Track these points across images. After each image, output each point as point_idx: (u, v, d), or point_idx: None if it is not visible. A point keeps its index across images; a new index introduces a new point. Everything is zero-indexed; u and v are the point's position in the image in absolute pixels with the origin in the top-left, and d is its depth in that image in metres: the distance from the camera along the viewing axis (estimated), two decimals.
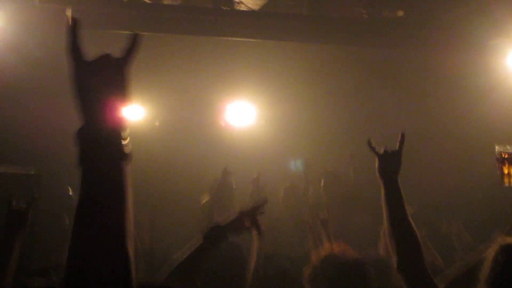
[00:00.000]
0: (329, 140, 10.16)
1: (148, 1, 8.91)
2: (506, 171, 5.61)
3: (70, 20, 1.95)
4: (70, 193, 8.59)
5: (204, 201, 8.91)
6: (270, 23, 9.21)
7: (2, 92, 9.23)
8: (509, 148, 5.63)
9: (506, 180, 5.62)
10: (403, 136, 4.28)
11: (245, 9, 9.29)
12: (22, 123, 9.18)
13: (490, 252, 4.06)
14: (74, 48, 1.94)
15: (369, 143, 4.25)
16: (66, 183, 9.33)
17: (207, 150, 10.57)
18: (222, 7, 8.99)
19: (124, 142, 1.94)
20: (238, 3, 9.16)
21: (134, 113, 10.49)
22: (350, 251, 5.13)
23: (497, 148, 5.66)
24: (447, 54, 9.46)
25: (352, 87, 10.75)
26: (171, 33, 9.09)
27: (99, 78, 1.93)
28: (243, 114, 10.76)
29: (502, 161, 5.63)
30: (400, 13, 9.67)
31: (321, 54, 10.17)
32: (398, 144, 4.26)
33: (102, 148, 1.88)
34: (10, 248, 4.31)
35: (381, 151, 4.23)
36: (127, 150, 1.94)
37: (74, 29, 1.94)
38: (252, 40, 9.45)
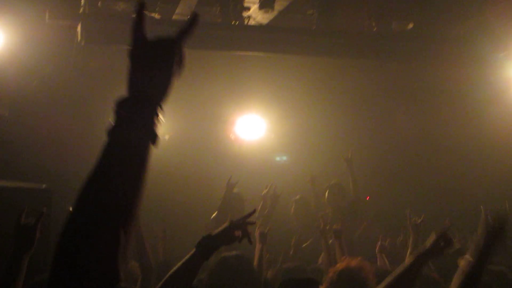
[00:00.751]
0: (339, 153, 10.15)
1: (157, 17, 8.95)
2: None
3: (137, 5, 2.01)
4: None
5: (213, 216, 8.94)
6: (279, 37, 9.24)
7: (14, 108, 9.29)
8: None
9: None
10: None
11: (254, 23, 9.31)
12: (34, 138, 9.23)
13: None
14: (138, 27, 1.99)
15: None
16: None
17: (217, 163, 10.58)
18: (232, 22, 9.02)
19: (158, 125, 1.95)
20: (247, 17, 9.19)
21: None
22: (367, 266, 5.14)
23: None
24: (453, 66, 9.48)
25: (362, 100, 10.76)
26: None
27: (152, 56, 1.98)
28: (253, 127, 10.76)
29: None
30: (410, 26, 9.68)
31: (330, 67, 10.20)
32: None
33: (137, 123, 1.89)
34: (18, 263, 4.31)
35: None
36: (158, 133, 1.95)
37: (141, 11, 2.01)
38: (262, 54, 9.48)
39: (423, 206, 9.08)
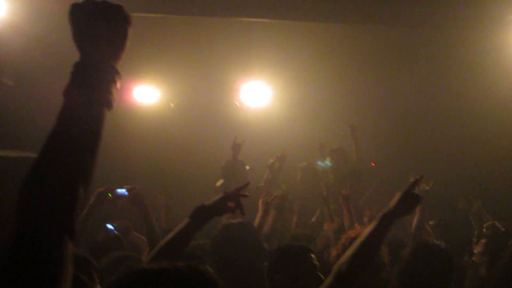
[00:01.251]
0: (345, 120, 10.13)
1: None
2: None
3: None
4: None
5: (219, 183, 8.97)
6: (285, 3, 9.14)
7: (18, 77, 9.26)
8: None
9: None
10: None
11: None
12: (38, 107, 9.23)
13: None
14: None
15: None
16: None
17: (222, 130, 10.59)
18: None
19: (114, 91, 1.99)
20: None
21: (149, 95, 10.51)
22: None
23: None
24: (463, 31, 9.39)
25: (368, 67, 10.70)
26: (186, 14, 9.05)
27: (102, 15, 2.01)
28: (258, 94, 10.72)
29: None
30: None
31: (336, 33, 10.11)
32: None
33: (92, 86, 1.93)
34: None
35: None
36: (113, 99, 1.99)
37: None
38: (267, 20, 9.41)
39: (430, 173, 9.09)
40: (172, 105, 10.82)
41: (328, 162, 10.48)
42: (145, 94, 10.47)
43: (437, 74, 10.60)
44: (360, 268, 3.80)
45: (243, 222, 5.23)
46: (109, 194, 6.54)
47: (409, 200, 4.03)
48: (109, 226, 6.88)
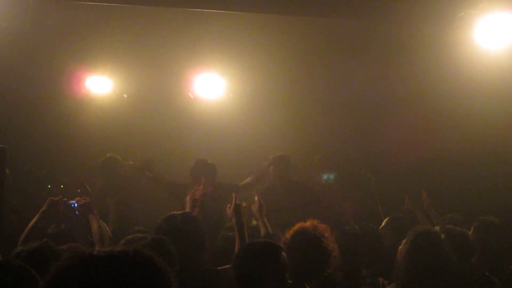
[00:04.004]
0: (299, 113, 10.18)
1: None
2: None
3: None
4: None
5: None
6: None
7: None
8: None
9: None
10: None
11: None
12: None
13: None
14: None
15: None
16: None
17: (176, 122, 10.56)
18: None
19: None
20: None
21: (102, 86, 10.41)
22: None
23: None
24: (414, 25, 9.48)
25: (322, 59, 10.75)
26: (141, 4, 8.98)
27: None
28: (212, 86, 10.68)
29: None
30: None
31: (290, 26, 10.13)
32: None
33: None
34: None
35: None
36: None
37: None
38: (220, 11, 9.38)
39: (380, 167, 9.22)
40: (125, 96, 10.72)
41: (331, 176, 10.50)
42: (98, 84, 10.36)
43: (388, 67, 10.70)
44: None
45: (186, 212, 5.31)
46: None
47: None
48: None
